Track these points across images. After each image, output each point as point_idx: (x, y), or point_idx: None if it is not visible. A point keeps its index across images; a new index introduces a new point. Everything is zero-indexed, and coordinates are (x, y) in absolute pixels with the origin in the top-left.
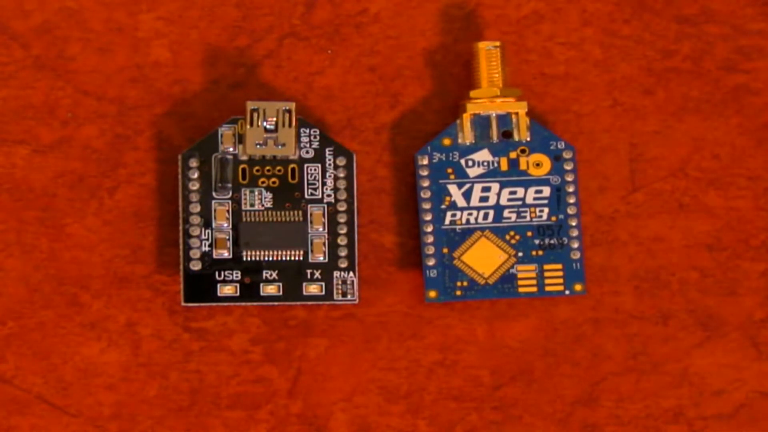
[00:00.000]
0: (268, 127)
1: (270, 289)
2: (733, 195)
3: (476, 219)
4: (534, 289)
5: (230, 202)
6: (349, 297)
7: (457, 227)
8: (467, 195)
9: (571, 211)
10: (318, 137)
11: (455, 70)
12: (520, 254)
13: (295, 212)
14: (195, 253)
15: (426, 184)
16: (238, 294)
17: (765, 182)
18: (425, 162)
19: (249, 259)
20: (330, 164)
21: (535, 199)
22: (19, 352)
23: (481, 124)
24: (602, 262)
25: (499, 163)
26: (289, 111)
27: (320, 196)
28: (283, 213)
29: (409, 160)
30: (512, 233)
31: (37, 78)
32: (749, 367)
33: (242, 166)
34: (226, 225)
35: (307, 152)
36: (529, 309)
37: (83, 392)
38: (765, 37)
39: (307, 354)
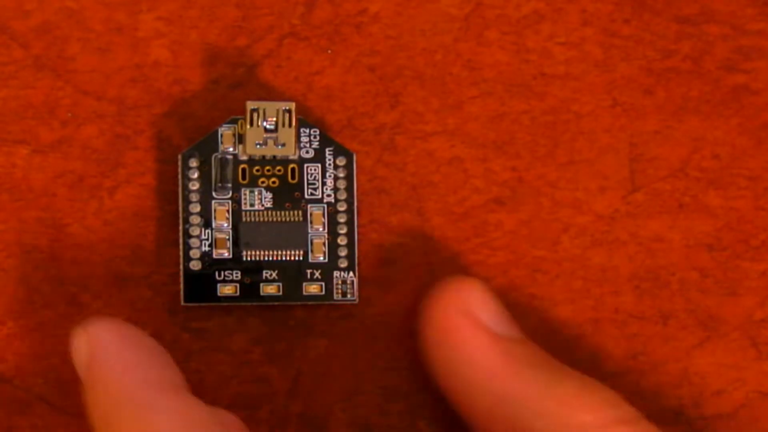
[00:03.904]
0: (268, 127)
1: (270, 289)
2: (733, 195)
3: None
4: None
5: (230, 202)
6: (349, 297)
7: None
8: None
9: None
10: (318, 137)
11: (455, 70)
12: None
13: (295, 212)
14: (195, 253)
15: None
16: (238, 294)
17: (765, 182)
18: None
19: (249, 259)
20: (330, 164)
21: None
22: (19, 352)
23: None
24: (602, 262)
25: None
26: (289, 111)
27: (320, 196)
28: (283, 213)
29: (409, 159)
30: None
31: (37, 78)
32: (749, 367)
33: (242, 166)
34: (226, 225)
35: (307, 152)
36: (528, 309)
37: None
38: (765, 37)
39: (307, 354)
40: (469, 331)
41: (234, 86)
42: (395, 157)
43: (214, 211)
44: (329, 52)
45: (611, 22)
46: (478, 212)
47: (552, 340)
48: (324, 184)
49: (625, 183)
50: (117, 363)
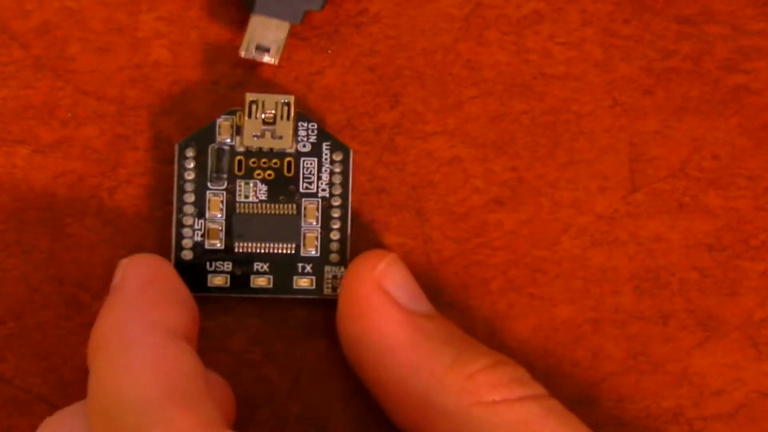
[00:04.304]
0: (266, 119)
1: (260, 282)
2: (733, 195)
3: None
4: None
5: (225, 193)
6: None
7: None
8: None
9: None
10: (316, 131)
11: (455, 70)
12: None
13: (290, 205)
14: (187, 243)
15: None
16: (228, 285)
17: (765, 182)
18: None
19: (240, 250)
20: (326, 159)
21: None
22: (19, 352)
23: None
24: (602, 262)
25: None
26: (288, 104)
27: (315, 191)
28: (277, 206)
29: (409, 159)
30: None
31: (37, 78)
32: (749, 367)
33: (238, 157)
34: (219, 216)
35: (304, 146)
36: (528, 309)
37: (83, 392)
38: (765, 37)
39: (307, 354)
40: (379, 304)
41: (234, 86)
42: (395, 157)
43: (208, 201)
44: (329, 52)
45: (611, 22)
46: (478, 212)
47: (552, 340)
48: (320, 178)
49: (625, 183)
50: (133, 297)
